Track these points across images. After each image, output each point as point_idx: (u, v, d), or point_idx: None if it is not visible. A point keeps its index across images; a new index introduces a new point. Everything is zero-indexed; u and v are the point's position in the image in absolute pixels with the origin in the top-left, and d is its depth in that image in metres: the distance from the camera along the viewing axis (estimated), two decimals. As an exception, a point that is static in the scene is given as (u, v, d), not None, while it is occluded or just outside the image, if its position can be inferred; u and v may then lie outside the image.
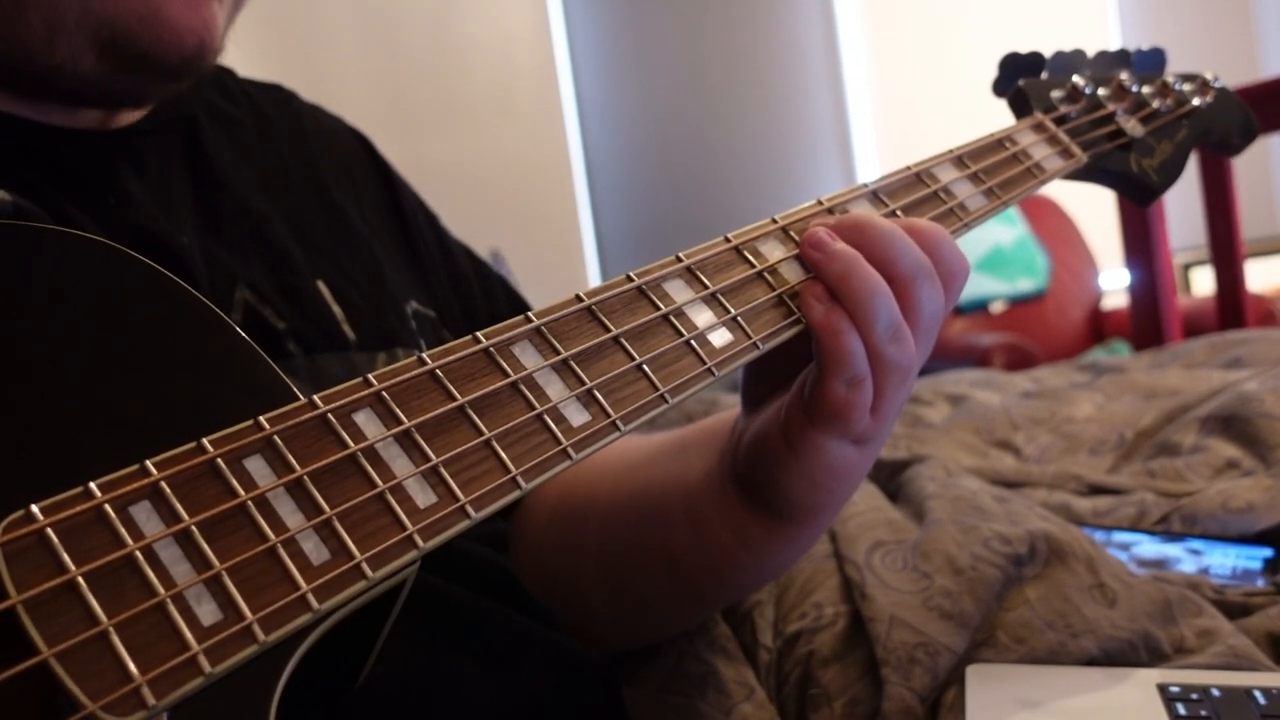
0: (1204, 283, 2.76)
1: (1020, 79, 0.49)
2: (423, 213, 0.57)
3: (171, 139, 0.45)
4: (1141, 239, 1.44)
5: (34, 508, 0.22)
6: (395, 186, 0.56)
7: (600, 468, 0.49)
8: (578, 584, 0.47)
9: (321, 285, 0.45)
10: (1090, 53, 0.53)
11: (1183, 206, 1.88)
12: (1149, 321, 1.45)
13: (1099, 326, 2.51)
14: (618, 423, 0.29)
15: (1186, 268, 2.80)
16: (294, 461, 0.24)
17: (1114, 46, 0.55)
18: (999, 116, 0.48)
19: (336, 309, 0.45)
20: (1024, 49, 0.51)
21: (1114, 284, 2.54)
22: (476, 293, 0.55)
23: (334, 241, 0.48)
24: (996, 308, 2.40)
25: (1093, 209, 2.54)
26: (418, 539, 0.25)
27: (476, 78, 2.39)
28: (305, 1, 2.16)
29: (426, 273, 0.53)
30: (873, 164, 2.78)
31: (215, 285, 0.41)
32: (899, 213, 0.39)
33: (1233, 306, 1.39)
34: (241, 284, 0.42)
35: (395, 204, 0.55)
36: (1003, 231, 2.44)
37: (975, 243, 2.41)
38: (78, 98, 0.40)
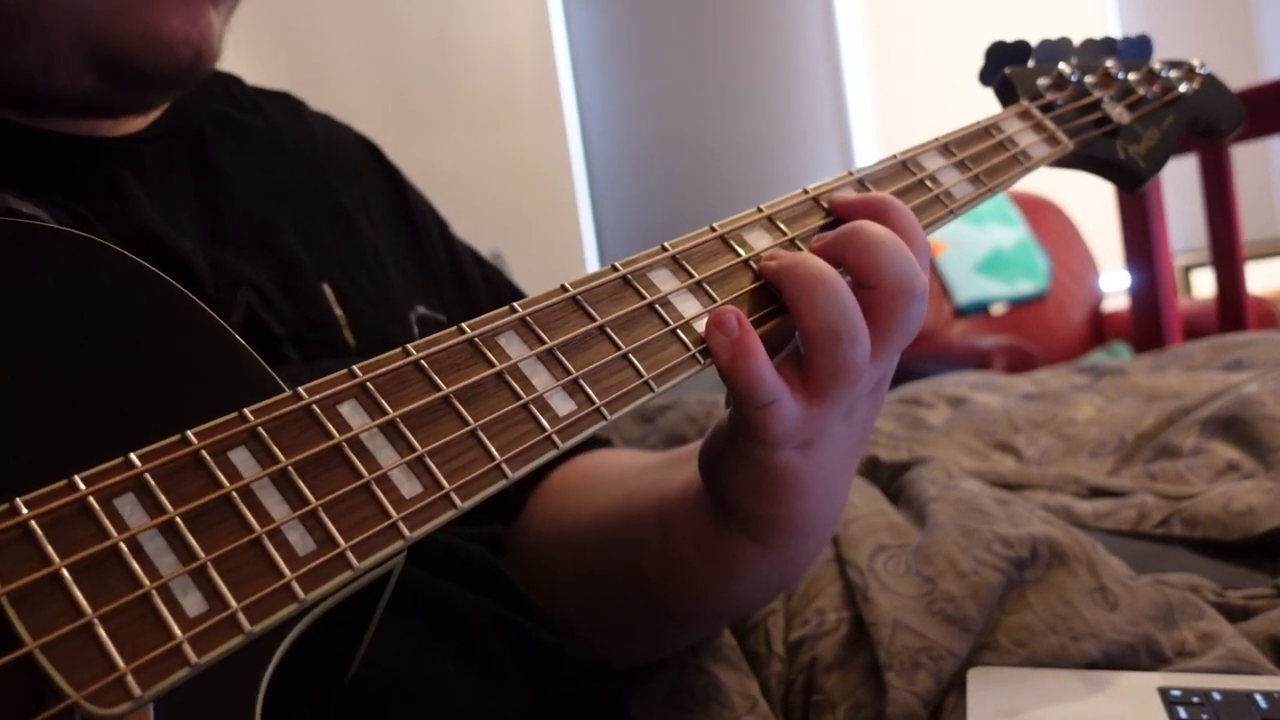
0: (1205, 285, 2.75)
1: (1006, 67, 0.49)
2: (432, 218, 0.57)
3: (177, 145, 0.45)
4: (1142, 241, 1.44)
5: (18, 501, 0.22)
6: (404, 192, 0.56)
7: (594, 483, 0.49)
8: (559, 596, 0.47)
9: (327, 289, 0.46)
10: (1077, 41, 0.52)
11: (1183, 208, 1.88)
12: (1150, 324, 1.44)
13: (1099, 328, 2.51)
14: (603, 410, 0.29)
15: (1187, 270, 2.80)
16: (279, 453, 0.24)
17: (1111, 41, 0.55)
18: (999, 110, 0.48)
19: (339, 313, 0.45)
20: (1021, 46, 0.50)
21: (1114, 286, 2.54)
22: (483, 298, 0.56)
23: (341, 246, 0.49)
24: (997, 310, 2.40)
25: (1093, 210, 2.54)
26: (403, 528, 0.25)
27: (477, 79, 2.40)
28: (306, 4, 2.16)
29: (436, 277, 0.54)
30: (872, 160, 2.78)
31: (218, 290, 0.41)
32: None
33: (1233, 309, 1.39)
34: (245, 288, 0.42)
35: (404, 210, 0.55)
36: (1003, 233, 2.44)
37: (976, 244, 2.41)
38: (80, 112, 0.41)
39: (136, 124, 0.44)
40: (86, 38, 0.37)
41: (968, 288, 2.38)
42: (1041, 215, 2.54)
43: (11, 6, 0.36)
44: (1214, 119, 0.54)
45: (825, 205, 0.37)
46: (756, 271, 0.34)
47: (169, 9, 0.38)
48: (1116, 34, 0.55)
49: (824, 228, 0.36)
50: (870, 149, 2.82)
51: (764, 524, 0.37)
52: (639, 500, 0.44)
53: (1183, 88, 0.53)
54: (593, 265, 2.63)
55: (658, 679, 0.48)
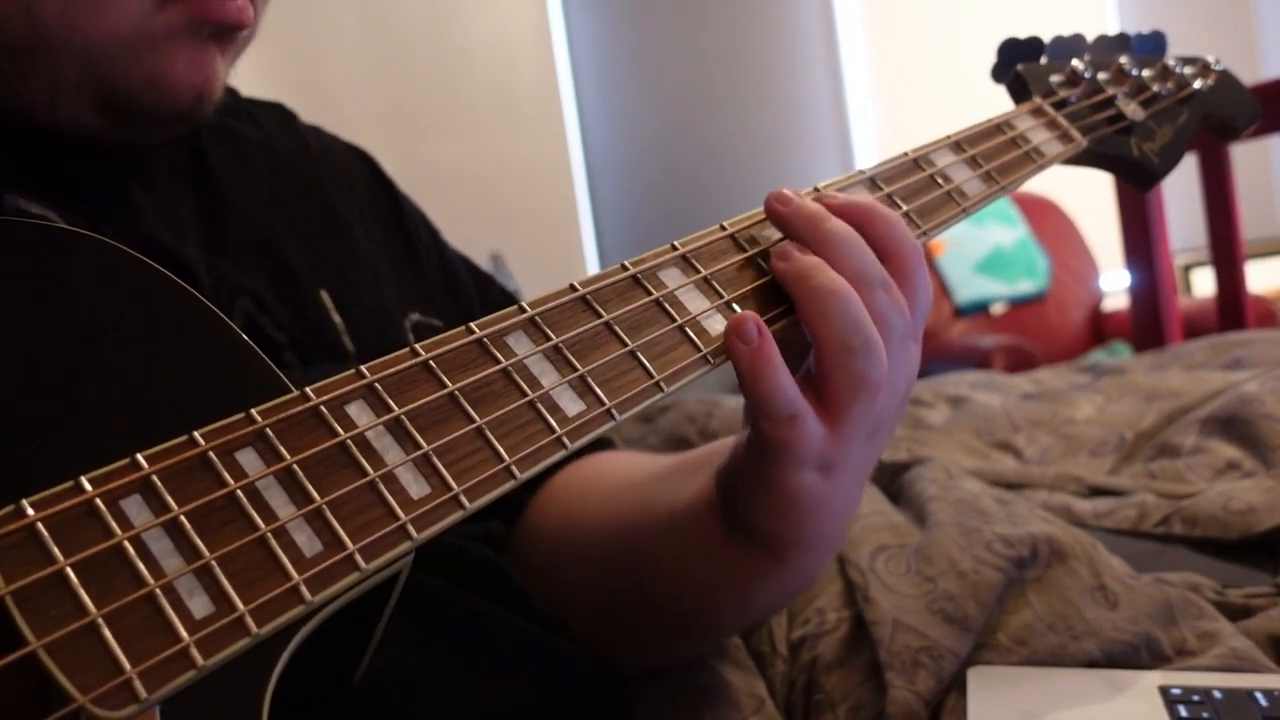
0: (1204, 284, 2.76)
1: (1019, 64, 0.48)
2: (424, 226, 0.57)
3: (177, 152, 0.45)
4: (1142, 240, 1.44)
5: (24, 502, 0.21)
6: (397, 200, 0.57)
7: (603, 488, 0.48)
8: (567, 601, 0.47)
9: (324, 296, 0.46)
10: (1090, 37, 0.52)
11: (1183, 207, 1.88)
12: (1149, 323, 1.44)
13: (1099, 328, 2.51)
14: (613, 411, 0.28)
15: (1187, 269, 2.80)
16: (285, 453, 0.24)
17: (1113, 38, 0.55)
18: (1000, 111, 0.48)
19: (337, 319, 0.45)
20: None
21: (1114, 285, 2.54)
22: (476, 306, 0.56)
23: (338, 253, 0.49)
24: (997, 309, 2.40)
25: (1093, 210, 2.54)
26: (411, 529, 0.24)
27: (477, 81, 2.40)
28: (306, 6, 2.16)
29: (429, 285, 0.54)
30: (872, 163, 2.78)
31: (217, 298, 0.42)
32: (898, 201, 0.39)
33: (1233, 308, 1.39)
34: (243, 296, 0.42)
35: (398, 217, 0.56)
36: (1003, 233, 2.44)
37: (976, 244, 2.41)
38: (78, 143, 0.41)
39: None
40: (93, 76, 0.37)
41: (968, 287, 2.38)
42: (1041, 215, 2.54)
43: (23, 40, 0.36)
44: (1228, 116, 0.54)
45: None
46: (767, 269, 0.34)
47: (177, 55, 0.38)
48: (1115, 32, 0.55)
49: None
50: (870, 149, 2.82)
51: (781, 543, 0.37)
52: (651, 511, 0.43)
53: (1197, 84, 0.52)
54: (593, 266, 2.62)
55: (665, 678, 0.48)
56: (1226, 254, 1.39)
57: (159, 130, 0.41)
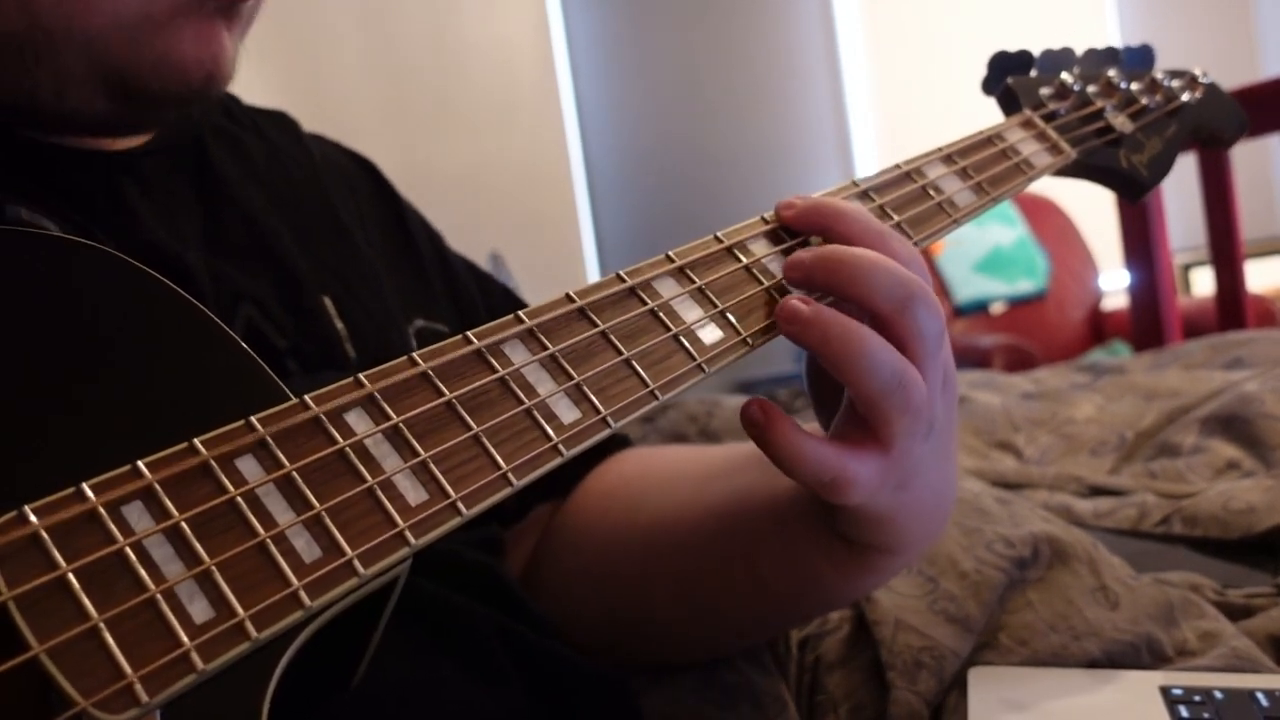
0: (1204, 283, 2.76)
1: (1009, 77, 0.49)
2: (426, 231, 0.58)
3: (178, 158, 0.45)
4: (1141, 240, 1.44)
5: (26, 508, 0.22)
6: (400, 207, 0.57)
7: (668, 485, 0.48)
8: (647, 611, 0.46)
9: (327, 302, 0.46)
10: (1080, 50, 0.53)
11: (1183, 207, 1.88)
12: (1149, 322, 1.45)
13: (1099, 327, 2.51)
14: (608, 419, 0.29)
15: (1186, 268, 2.80)
16: (285, 461, 0.24)
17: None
18: (999, 119, 0.48)
19: (340, 325, 0.45)
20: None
21: (1114, 285, 2.55)
22: (481, 310, 0.56)
23: (341, 259, 0.49)
24: (996, 309, 2.41)
25: (1092, 210, 2.54)
26: (409, 535, 0.25)
27: (477, 83, 2.40)
28: (306, 9, 2.17)
29: (433, 291, 0.54)
30: (872, 167, 2.78)
31: (219, 303, 0.41)
32: (890, 212, 0.39)
33: (1233, 307, 1.39)
34: (245, 301, 0.42)
35: (400, 224, 0.56)
36: (1002, 232, 2.45)
37: (975, 244, 2.41)
38: (90, 131, 0.41)
39: (137, 139, 0.44)
40: (99, 63, 0.37)
41: (967, 287, 2.38)
42: (1041, 214, 2.55)
43: (24, 34, 0.36)
44: (1217, 128, 0.55)
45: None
46: (761, 279, 0.34)
47: (181, 33, 0.37)
48: (1116, 35, 0.55)
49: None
50: (870, 153, 2.82)
51: (876, 548, 0.37)
52: (743, 501, 0.43)
53: (1185, 97, 0.53)
54: (592, 267, 2.63)
55: (690, 674, 0.48)
56: (1226, 253, 1.39)
57: (173, 112, 0.41)
